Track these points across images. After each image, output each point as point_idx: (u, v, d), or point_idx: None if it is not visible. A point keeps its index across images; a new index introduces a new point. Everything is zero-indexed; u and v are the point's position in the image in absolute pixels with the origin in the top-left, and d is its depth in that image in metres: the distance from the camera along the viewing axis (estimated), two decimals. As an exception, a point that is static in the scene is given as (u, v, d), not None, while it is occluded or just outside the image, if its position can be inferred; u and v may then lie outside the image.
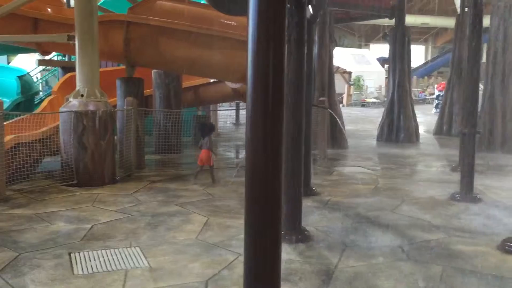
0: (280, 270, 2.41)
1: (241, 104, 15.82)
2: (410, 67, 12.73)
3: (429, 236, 4.67)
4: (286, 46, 4.37)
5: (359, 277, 3.67)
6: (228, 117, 16.19)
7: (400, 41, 12.17)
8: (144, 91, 9.97)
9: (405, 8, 12.42)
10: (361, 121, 18.92)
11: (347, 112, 22.84)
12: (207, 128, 6.97)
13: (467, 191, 5.99)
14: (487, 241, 4.47)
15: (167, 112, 9.48)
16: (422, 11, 43.10)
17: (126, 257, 4.06)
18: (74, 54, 6.83)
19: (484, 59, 9.12)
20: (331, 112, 7.51)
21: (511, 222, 5.04)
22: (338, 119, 7.50)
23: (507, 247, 4.22)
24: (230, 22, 7.62)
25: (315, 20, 6.05)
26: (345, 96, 27.36)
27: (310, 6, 5.18)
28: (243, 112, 16.10)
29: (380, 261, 4.01)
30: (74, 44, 6.55)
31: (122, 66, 8.83)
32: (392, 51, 12.38)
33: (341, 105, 26.75)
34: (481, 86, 19.26)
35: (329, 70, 11.01)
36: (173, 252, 4.22)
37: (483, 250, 4.27)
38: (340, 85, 29.38)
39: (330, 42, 11.12)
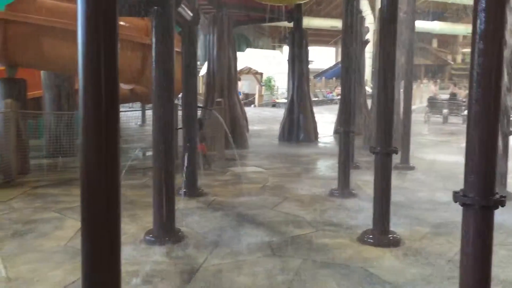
0: (119, 274, 2.42)
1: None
2: (308, 68, 13.20)
3: (299, 231, 4.89)
4: (154, 50, 4.41)
5: (220, 275, 3.77)
6: (134, 118, 15.87)
7: (298, 43, 12.58)
8: (34, 92, 9.55)
9: (302, 11, 12.86)
10: (269, 121, 19.30)
11: (257, 113, 23.29)
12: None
13: (343, 187, 6.34)
14: (349, 234, 4.78)
15: (58, 114, 9.12)
16: (330, 15, 44.88)
17: (-17, 268, 3.87)
18: None
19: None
20: (216, 114, 7.63)
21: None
22: (222, 121, 7.61)
23: (365, 239, 4.53)
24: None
25: (196, 22, 6.11)
26: (256, 96, 27.80)
27: (184, 9, 5.23)
28: (149, 113, 15.85)
29: (245, 258, 4.14)
30: None
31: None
32: (291, 53, 12.77)
33: (252, 106, 27.21)
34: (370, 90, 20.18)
35: (228, 72, 11.14)
36: (37, 260, 4.07)
37: (344, 242, 4.56)
38: (252, 86, 29.87)
39: (229, 43, 11.26)
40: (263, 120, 19.93)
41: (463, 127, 14.79)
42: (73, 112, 9.52)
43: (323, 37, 47.58)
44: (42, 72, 9.20)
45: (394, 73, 4.39)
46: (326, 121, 17.93)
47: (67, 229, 4.90)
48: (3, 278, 3.69)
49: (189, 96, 6.23)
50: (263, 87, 28.93)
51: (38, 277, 3.71)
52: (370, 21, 25.65)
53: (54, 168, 8.26)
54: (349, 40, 6.16)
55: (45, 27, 7.13)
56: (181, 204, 5.68)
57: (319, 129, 13.34)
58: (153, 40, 4.42)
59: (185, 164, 6.16)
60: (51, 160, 8.96)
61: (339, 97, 26.66)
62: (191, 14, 5.81)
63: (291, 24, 13.09)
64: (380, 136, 4.43)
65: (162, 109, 4.40)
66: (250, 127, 15.09)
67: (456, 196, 2.55)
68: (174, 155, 4.66)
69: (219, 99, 9.53)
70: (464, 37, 55.14)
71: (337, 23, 44.31)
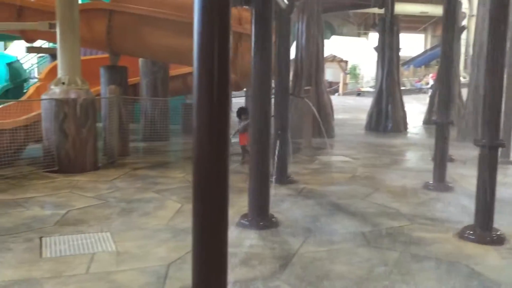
0: (226, 256, 2.52)
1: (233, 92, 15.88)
2: (399, 56, 12.78)
3: (393, 223, 4.79)
4: (253, 38, 4.49)
5: (316, 262, 3.80)
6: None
7: (389, 30, 12.21)
8: (133, 79, 10.10)
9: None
10: (354, 110, 18.98)
11: (341, 101, 22.97)
12: (241, 112, 7.64)
13: (439, 180, 6.11)
14: (448, 229, 4.60)
15: (153, 100, 9.60)
16: (420, 0, 42.82)
17: (96, 242, 4.19)
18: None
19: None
20: (308, 101, 7.61)
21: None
22: (314, 109, 7.59)
23: (465, 235, 4.34)
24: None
25: (291, 11, 6.12)
26: (341, 85, 27.38)
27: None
28: (235, 100, 16.19)
29: (340, 247, 4.14)
30: (55, 32, 6.63)
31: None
32: (381, 41, 12.43)
33: (336, 94, 26.83)
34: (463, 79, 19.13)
35: (316, 60, 11.07)
36: (142, 237, 4.34)
37: (443, 237, 4.40)
38: (336, 74, 29.44)
39: (318, 31, 11.17)
40: (348, 109, 19.64)
41: None
42: (167, 98, 10.00)
43: (411, 23, 45.59)
44: (140, 59, 9.72)
45: (504, 61, 4.14)
46: (414, 111, 17.30)
47: (167, 209, 5.18)
48: (113, 252, 3.98)
49: (281, 84, 6.28)
50: (348, 75, 28.41)
51: (144, 252, 3.96)
52: (465, 6, 24.24)
53: (150, 152, 8.74)
54: (449, 26, 5.87)
55: (146, 17, 7.50)
56: (272, 191, 5.77)
57: (407, 119, 12.92)
58: (253, 29, 4.49)
59: (276, 152, 6.23)
60: (146, 144, 9.50)
61: (428, 86, 25.53)
62: (287, 3, 5.82)
63: (381, 11, 12.73)
64: (486, 128, 4.20)
65: (260, 98, 4.48)
66: (335, 116, 14.94)
67: None
68: (270, 143, 4.74)
69: (307, 87, 9.51)
70: None
71: (427, 9, 42.28)
